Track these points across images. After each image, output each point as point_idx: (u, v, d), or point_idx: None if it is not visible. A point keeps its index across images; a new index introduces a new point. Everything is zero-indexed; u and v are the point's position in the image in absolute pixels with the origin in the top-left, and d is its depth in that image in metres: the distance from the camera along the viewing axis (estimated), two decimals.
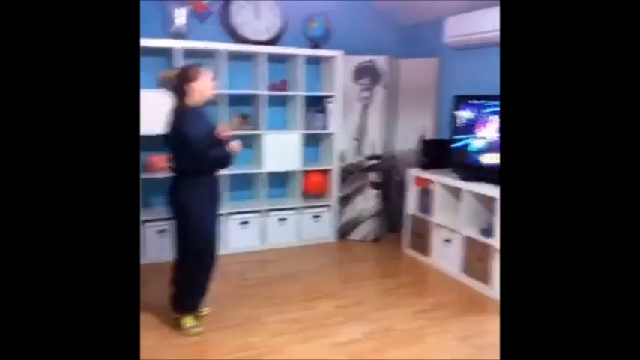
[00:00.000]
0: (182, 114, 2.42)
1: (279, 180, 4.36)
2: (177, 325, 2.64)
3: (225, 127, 2.71)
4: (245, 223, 4.00)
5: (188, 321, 2.62)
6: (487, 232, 3.24)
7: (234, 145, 2.56)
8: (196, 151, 2.38)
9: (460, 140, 3.60)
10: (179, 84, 2.42)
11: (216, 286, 2.91)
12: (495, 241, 3.13)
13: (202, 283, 2.63)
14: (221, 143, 2.54)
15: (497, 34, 3.37)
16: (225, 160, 2.54)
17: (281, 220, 4.13)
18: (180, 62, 3.49)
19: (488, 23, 3.45)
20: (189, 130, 2.36)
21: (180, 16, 3.68)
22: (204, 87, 2.44)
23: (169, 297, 2.68)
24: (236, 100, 3.92)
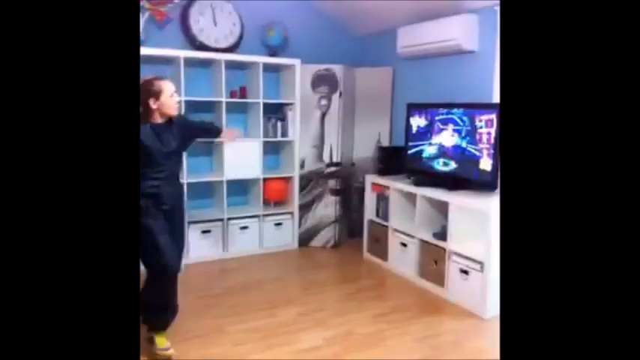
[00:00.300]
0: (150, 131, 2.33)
1: (240, 188, 4.37)
2: (151, 344, 2.51)
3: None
4: (206, 231, 3.99)
5: (160, 342, 2.47)
6: (440, 235, 3.39)
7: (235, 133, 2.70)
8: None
9: (414, 147, 3.74)
10: (141, 100, 2.27)
11: (179, 296, 2.89)
12: (448, 245, 3.28)
13: (160, 299, 2.45)
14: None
15: (446, 44, 3.55)
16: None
17: (242, 228, 4.15)
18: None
19: (436, 34, 3.60)
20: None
21: (139, 23, 3.64)
22: (165, 104, 2.33)
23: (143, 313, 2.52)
24: (195, 107, 3.91)
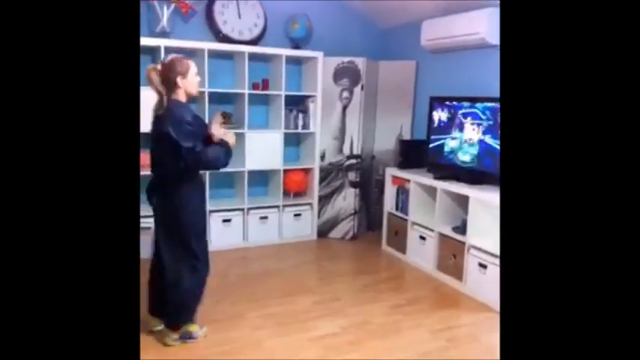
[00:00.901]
0: (169, 112, 2.30)
1: (261, 178, 4.43)
2: (185, 342, 2.52)
3: (216, 121, 2.54)
4: (227, 220, 4.06)
5: (193, 328, 2.54)
6: (460, 229, 3.38)
7: (230, 136, 2.46)
8: (188, 150, 2.25)
9: (436, 140, 3.72)
10: (167, 77, 2.32)
11: None
12: (467, 239, 3.27)
13: (199, 294, 2.53)
14: (212, 141, 2.42)
15: (470, 37, 3.51)
16: (224, 158, 2.41)
17: (262, 218, 4.21)
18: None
19: (461, 27, 3.57)
20: (177, 129, 2.24)
21: (165, 15, 3.72)
22: (191, 82, 2.37)
23: (165, 322, 2.54)
24: (218, 99, 3.98)
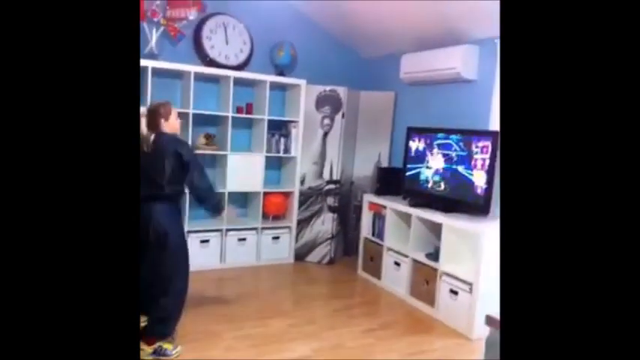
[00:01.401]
0: (162, 145, 2.57)
1: (241, 200, 4.49)
2: (158, 356, 2.56)
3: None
4: (205, 241, 4.09)
5: (168, 346, 2.58)
6: (433, 256, 3.48)
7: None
8: (200, 167, 2.61)
9: (412, 169, 3.86)
10: (152, 120, 2.62)
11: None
12: (440, 265, 3.37)
13: (179, 309, 2.64)
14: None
15: (446, 72, 3.70)
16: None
17: (241, 239, 4.24)
18: (149, 81, 3.62)
19: (438, 62, 3.76)
20: (184, 149, 2.57)
21: (154, 38, 3.82)
22: (172, 124, 2.67)
23: (141, 330, 2.56)
24: (202, 120, 4.05)
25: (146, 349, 2.54)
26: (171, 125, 2.66)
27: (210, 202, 2.77)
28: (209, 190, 2.71)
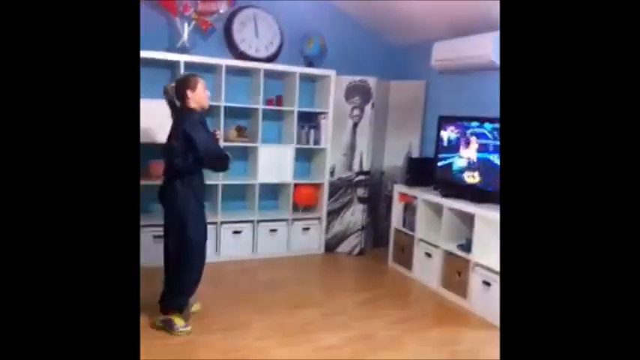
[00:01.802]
0: (182, 115, 2.69)
1: (272, 191, 4.53)
2: (165, 328, 2.74)
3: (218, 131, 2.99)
4: (237, 232, 4.16)
5: (178, 321, 2.73)
6: (465, 247, 3.43)
7: (217, 133, 2.92)
8: (201, 145, 2.60)
9: (443, 159, 3.80)
10: (179, 90, 2.70)
11: (208, 291, 3.07)
12: (472, 256, 3.31)
13: (192, 282, 2.79)
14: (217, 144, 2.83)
15: (478, 59, 3.61)
16: (225, 159, 2.77)
17: (272, 230, 4.29)
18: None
19: (469, 49, 3.67)
20: (189, 127, 2.60)
21: (185, 32, 3.89)
22: (199, 95, 2.71)
23: (160, 298, 2.80)
24: (233, 113, 4.10)
25: (159, 316, 2.75)
26: (198, 96, 2.69)
27: (221, 166, 2.84)
28: (218, 161, 2.78)
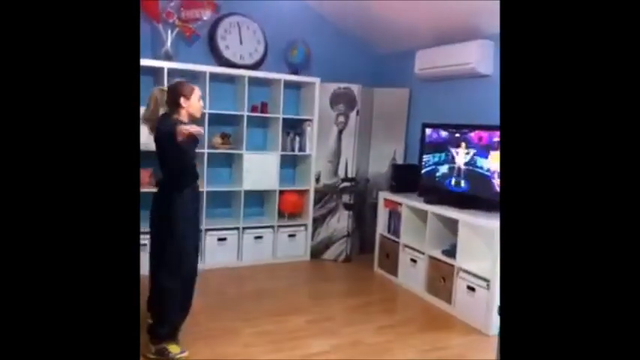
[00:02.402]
0: (167, 128, 2.41)
1: (257, 199, 4.52)
2: (160, 358, 2.54)
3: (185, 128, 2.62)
4: (223, 239, 4.13)
5: (173, 349, 2.55)
6: (450, 252, 3.47)
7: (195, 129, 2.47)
8: (188, 157, 2.49)
9: (427, 165, 3.85)
10: (172, 97, 2.50)
11: (194, 299, 3.02)
12: (457, 262, 3.36)
13: (175, 312, 2.57)
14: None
15: (462, 67, 3.68)
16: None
17: (257, 237, 4.28)
18: (165, 82, 3.65)
19: (453, 57, 3.74)
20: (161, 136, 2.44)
21: (169, 39, 3.87)
22: (193, 104, 2.53)
23: (147, 329, 2.57)
24: (218, 120, 4.09)
25: (151, 348, 2.54)
26: (192, 105, 2.52)
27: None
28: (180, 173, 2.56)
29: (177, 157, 2.48)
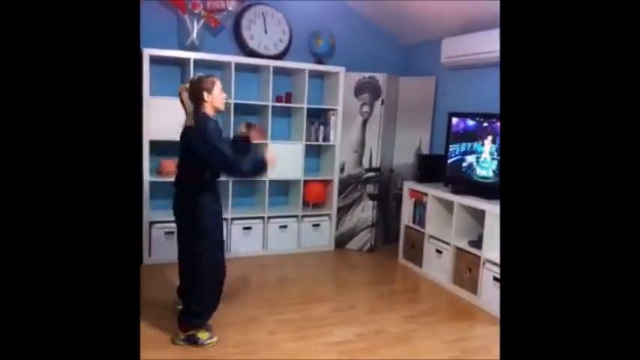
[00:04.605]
0: (198, 124, 2.48)
1: (281, 188, 4.55)
2: (189, 344, 2.58)
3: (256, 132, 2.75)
4: (248, 228, 4.18)
5: (202, 335, 2.60)
6: (476, 243, 3.42)
7: (271, 154, 2.70)
8: (222, 158, 2.44)
9: (454, 155, 3.79)
10: (194, 93, 2.54)
11: None
12: (483, 253, 3.30)
13: (212, 304, 2.65)
14: (247, 146, 2.69)
15: (489, 55, 3.59)
16: (260, 167, 2.66)
17: (282, 227, 4.31)
18: (192, 72, 3.70)
19: (480, 45, 3.66)
20: (210, 140, 2.43)
21: (195, 30, 3.91)
22: (216, 97, 2.56)
23: (178, 316, 2.64)
24: (243, 110, 4.12)
25: (180, 335, 2.59)
26: (215, 99, 2.54)
27: (242, 174, 2.67)
28: (231, 168, 2.57)
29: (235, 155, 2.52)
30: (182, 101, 2.60)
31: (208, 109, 2.56)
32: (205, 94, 2.52)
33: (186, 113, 2.59)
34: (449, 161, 3.84)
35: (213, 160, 2.48)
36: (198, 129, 2.48)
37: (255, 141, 2.63)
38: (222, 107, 2.64)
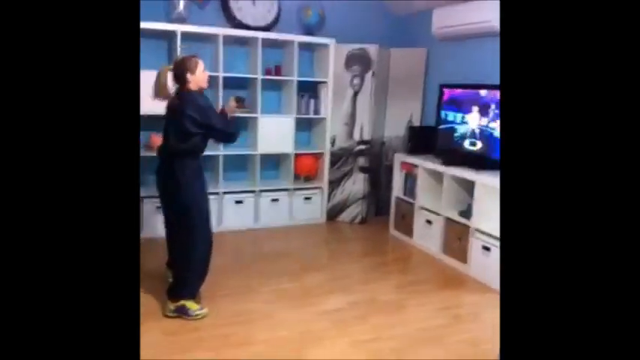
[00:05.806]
0: (184, 100, 2.56)
1: (273, 162, 4.55)
2: (179, 316, 2.61)
3: (231, 105, 2.83)
4: (239, 202, 4.19)
5: (191, 306, 2.63)
6: (465, 213, 3.48)
7: (231, 104, 2.80)
8: (217, 125, 2.59)
9: (444, 127, 3.81)
10: (179, 73, 2.60)
11: (212, 260, 3.10)
12: (472, 222, 3.36)
13: (201, 271, 2.69)
14: (225, 118, 2.73)
15: (481, 25, 3.58)
16: (232, 131, 2.75)
17: (273, 200, 4.33)
18: (179, 45, 3.64)
19: (472, 15, 3.64)
20: (201, 110, 2.55)
21: (181, 2, 3.82)
22: (199, 77, 2.63)
23: (168, 287, 2.68)
24: (232, 83, 4.08)
25: (169, 306, 2.63)
26: (198, 78, 2.61)
27: (235, 138, 2.82)
28: (229, 136, 2.78)
29: (221, 126, 2.63)
30: (163, 79, 2.63)
31: (193, 88, 2.63)
32: (188, 75, 2.59)
33: (161, 91, 2.63)
34: (439, 133, 3.86)
35: (217, 133, 2.66)
36: (195, 105, 2.55)
37: (232, 114, 2.78)
38: (205, 85, 2.72)
